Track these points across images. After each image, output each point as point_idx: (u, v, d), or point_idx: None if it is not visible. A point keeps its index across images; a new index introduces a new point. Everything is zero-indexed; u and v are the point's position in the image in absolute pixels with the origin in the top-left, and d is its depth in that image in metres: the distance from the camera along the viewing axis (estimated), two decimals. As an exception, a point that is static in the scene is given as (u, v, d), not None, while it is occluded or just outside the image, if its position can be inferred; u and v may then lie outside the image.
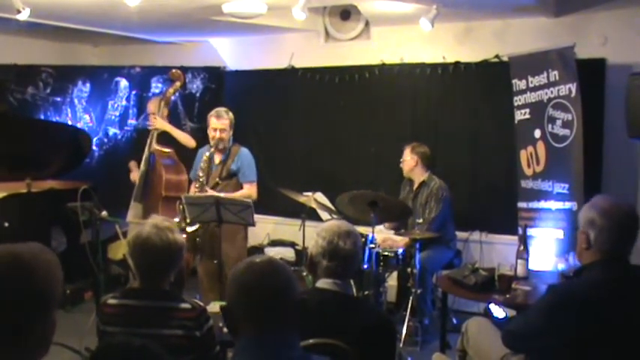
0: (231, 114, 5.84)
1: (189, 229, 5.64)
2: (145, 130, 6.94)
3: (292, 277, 2.19)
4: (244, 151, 5.93)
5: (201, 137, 6.20)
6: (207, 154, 5.79)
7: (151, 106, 6.64)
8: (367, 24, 7.28)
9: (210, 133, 5.79)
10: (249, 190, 5.83)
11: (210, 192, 5.61)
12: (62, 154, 7.08)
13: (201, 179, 5.74)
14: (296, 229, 6.44)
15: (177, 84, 6.49)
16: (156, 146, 6.41)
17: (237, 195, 5.68)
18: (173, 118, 6.68)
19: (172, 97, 6.63)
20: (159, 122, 6.33)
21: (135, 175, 6.43)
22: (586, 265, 2.97)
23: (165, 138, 6.45)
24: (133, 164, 6.61)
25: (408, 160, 6.23)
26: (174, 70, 6.54)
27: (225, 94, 7.90)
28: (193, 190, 5.86)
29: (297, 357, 2.13)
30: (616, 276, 2.87)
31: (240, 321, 2.13)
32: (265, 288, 2.11)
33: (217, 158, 5.85)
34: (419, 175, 6.24)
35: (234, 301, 2.14)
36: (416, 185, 6.26)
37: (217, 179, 5.80)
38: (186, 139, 6.40)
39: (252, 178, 5.90)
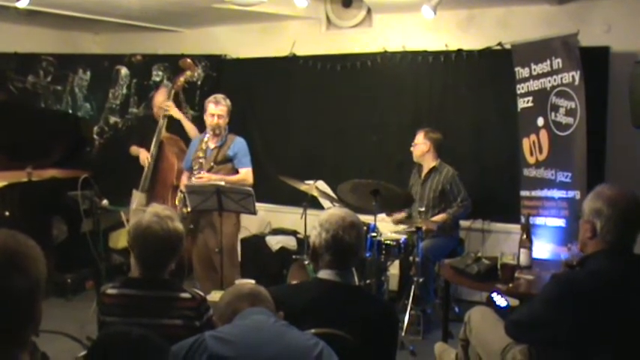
0: (228, 101, 5.89)
1: (186, 209, 5.66)
2: (147, 119, 6.93)
3: (269, 298, 2.56)
4: (240, 140, 6.00)
5: (202, 125, 6.19)
6: (205, 138, 5.82)
7: (159, 97, 6.61)
8: (369, 11, 7.25)
9: (208, 119, 5.83)
10: (245, 175, 5.90)
11: (206, 175, 5.67)
12: (63, 142, 7.07)
13: (200, 160, 5.77)
14: (298, 218, 6.43)
15: (188, 73, 6.48)
16: (166, 134, 6.41)
17: (234, 178, 5.76)
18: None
19: (181, 88, 6.62)
20: (173, 109, 6.37)
21: (144, 155, 6.40)
22: (590, 254, 2.94)
23: (171, 127, 6.44)
24: (135, 148, 6.59)
25: (421, 144, 6.22)
26: (185, 59, 6.51)
27: (226, 82, 7.86)
28: (185, 179, 5.90)
29: (282, 321, 2.45)
30: (621, 266, 2.84)
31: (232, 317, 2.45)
32: (255, 295, 2.54)
33: (213, 143, 5.88)
34: (429, 161, 6.24)
35: (228, 305, 2.52)
36: (425, 171, 6.26)
37: (212, 163, 5.84)
38: (194, 131, 6.42)
39: (248, 164, 5.97)
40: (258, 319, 2.39)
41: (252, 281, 2.67)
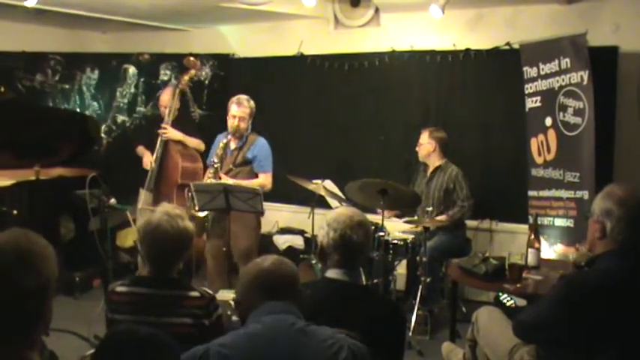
0: (252, 102, 5.79)
1: (200, 214, 5.62)
2: (155, 118, 6.94)
3: (296, 272, 2.48)
4: (262, 141, 5.86)
5: (210, 125, 6.18)
6: (225, 140, 5.75)
7: (164, 97, 6.60)
8: (377, 11, 7.24)
9: (229, 120, 5.73)
10: (264, 180, 5.78)
11: (224, 178, 5.59)
12: (70, 141, 7.06)
13: (215, 165, 5.70)
14: (305, 217, 6.44)
15: (192, 72, 6.43)
16: None
17: (251, 183, 5.64)
18: (181, 105, 6.66)
19: (187, 87, 6.58)
20: (171, 133, 6.34)
21: (148, 159, 6.40)
22: (599, 254, 2.93)
23: (176, 125, 6.43)
24: (142, 149, 6.59)
25: (426, 144, 6.21)
26: (189, 58, 6.47)
27: (233, 82, 7.85)
28: (207, 176, 5.84)
29: (300, 322, 2.31)
30: (630, 265, 2.84)
31: (250, 310, 2.35)
32: (273, 283, 2.39)
33: (233, 144, 5.81)
34: (435, 161, 6.23)
35: (244, 294, 2.43)
36: (430, 170, 6.25)
37: (231, 165, 5.75)
38: (198, 144, 6.42)
39: (268, 168, 5.85)
40: (272, 325, 2.27)
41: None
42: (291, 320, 2.29)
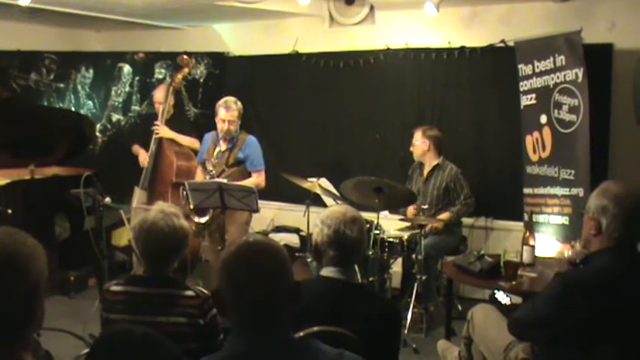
0: (239, 104, 5.83)
1: (202, 220, 5.64)
2: (150, 116, 6.93)
3: (285, 261, 1.98)
4: (252, 140, 5.91)
5: (204, 123, 6.17)
6: (219, 148, 5.78)
7: (158, 94, 6.59)
8: (372, 8, 7.23)
9: (219, 124, 5.78)
10: (257, 179, 5.84)
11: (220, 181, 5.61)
12: (65, 140, 7.05)
13: (211, 172, 5.72)
14: (300, 215, 6.43)
15: (186, 70, 6.45)
16: None
17: (245, 183, 5.67)
18: (176, 104, 6.66)
19: (181, 85, 6.59)
20: (163, 131, 6.33)
21: (144, 157, 6.39)
22: (594, 252, 2.93)
23: (171, 124, 6.43)
24: (137, 148, 6.59)
25: (420, 144, 6.19)
26: (182, 56, 6.49)
27: (228, 80, 7.86)
28: (201, 177, 5.86)
29: (287, 340, 1.95)
30: (626, 263, 2.84)
31: (228, 304, 1.95)
32: (253, 273, 1.92)
33: (224, 145, 5.83)
34: (431, 159, 6.21)
35: (221, 283, 1.95)
36: (428, 169, 6.24)
37: (224, 166, 5.79)
38: (192, 143, 6.40)
39: (261, 166, 5.90)
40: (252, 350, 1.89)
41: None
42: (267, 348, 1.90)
